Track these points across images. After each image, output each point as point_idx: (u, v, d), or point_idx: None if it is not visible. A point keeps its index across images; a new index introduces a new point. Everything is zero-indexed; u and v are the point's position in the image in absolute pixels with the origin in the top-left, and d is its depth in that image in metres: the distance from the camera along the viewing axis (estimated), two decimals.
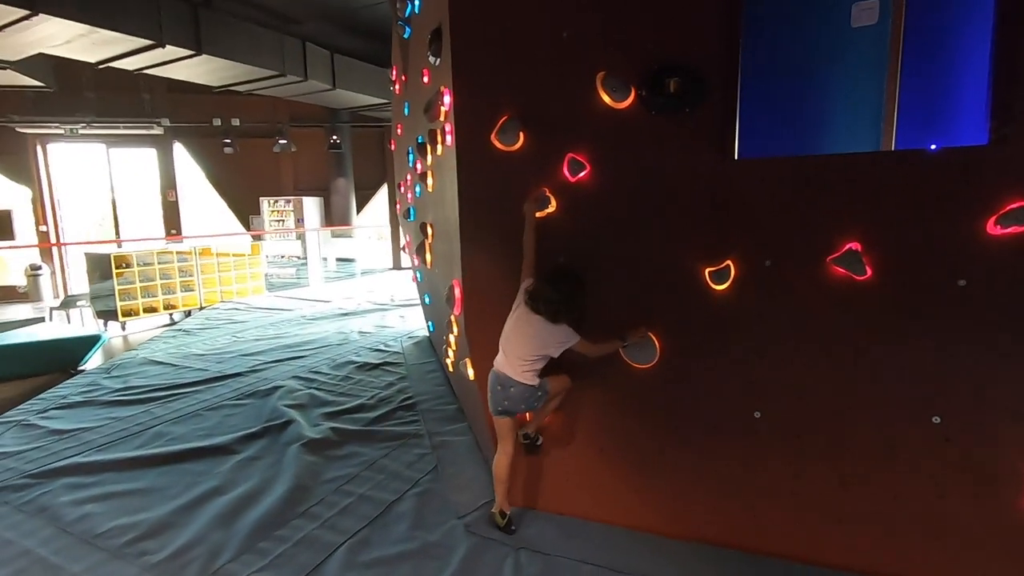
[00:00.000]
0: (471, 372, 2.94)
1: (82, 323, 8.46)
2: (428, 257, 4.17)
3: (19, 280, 11.79)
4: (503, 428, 2.74)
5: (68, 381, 5.35)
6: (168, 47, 7.27)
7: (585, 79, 2.53)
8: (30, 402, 4.76)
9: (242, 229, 14.60)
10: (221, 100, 12.37)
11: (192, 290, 9.09)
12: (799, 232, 2.32)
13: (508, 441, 2.75)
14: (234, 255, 9.97)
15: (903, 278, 2.17)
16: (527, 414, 2.79)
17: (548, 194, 2.66)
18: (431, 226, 3.94)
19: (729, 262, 2.42)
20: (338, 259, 14.16)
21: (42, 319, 8.12)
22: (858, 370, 2.28)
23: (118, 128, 12.52)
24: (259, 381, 5.13)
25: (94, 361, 6.35)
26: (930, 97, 2.80)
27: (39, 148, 12.76)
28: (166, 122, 12.36)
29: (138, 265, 8.37)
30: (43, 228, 12.79)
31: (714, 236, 2.46)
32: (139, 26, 6.89)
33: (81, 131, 11.97)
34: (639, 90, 2.47)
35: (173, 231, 13.75)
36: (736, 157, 2.58)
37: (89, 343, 6.38)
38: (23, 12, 5.90)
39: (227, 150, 12.83)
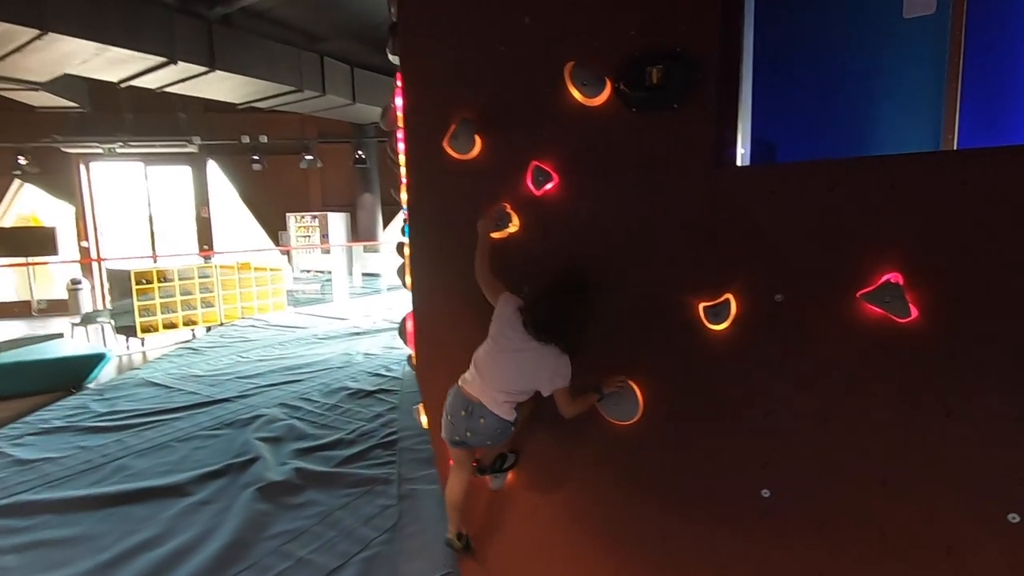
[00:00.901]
0: (424, 420, 2.50)
1: (103, 340, 8.50)
2: (408, 280, 3.77)
3: (63, 294, 12.13)
4: (460, 457, 2.28)
5: (57, 403, 5.22)
6: (181, 64, 7.26)
7: (551, 72, 2.08)
8: (11, 426, 4.62)
9: (271, 244, 14.72)
10: (252, 118, 12.52)
11: (212, 306, 9.06)
12: (819, 258, 1.77)
13: (466, 468, 2.30)
14: (255, 269, 9.92)
15: (962, 322, 1.59)
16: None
17: (509, 210, 2.21)
18: (408, 246, 3.54)
19: (729, 296, 1.90)
20: (364, 274, 14.05)
21: (61, 335, 8.18)
22: (899, 445, 1.70)
23: (155, 146, 12.85)
24: (244, 408, 4.83)
25: (103, 378, 6.26)
26: (999, 86, 2.24)
27: (82, 167, 13.25)
28: (198, 140, 12.59)
29: (159, 281, 8.36)
30: (84, 244, 13.23)
31: (710, 262, 1.94)
32: (151, 43, 6.89)
33: (119, 150, 12.31)
34: (616, 83, 2.00)
35: (206, 246, 13.98)
36: (738, 163, 2.08)
37: (94, 361, 6.29)
38: (34, 32, 5.94)
39: (255, 167, 12.95)
